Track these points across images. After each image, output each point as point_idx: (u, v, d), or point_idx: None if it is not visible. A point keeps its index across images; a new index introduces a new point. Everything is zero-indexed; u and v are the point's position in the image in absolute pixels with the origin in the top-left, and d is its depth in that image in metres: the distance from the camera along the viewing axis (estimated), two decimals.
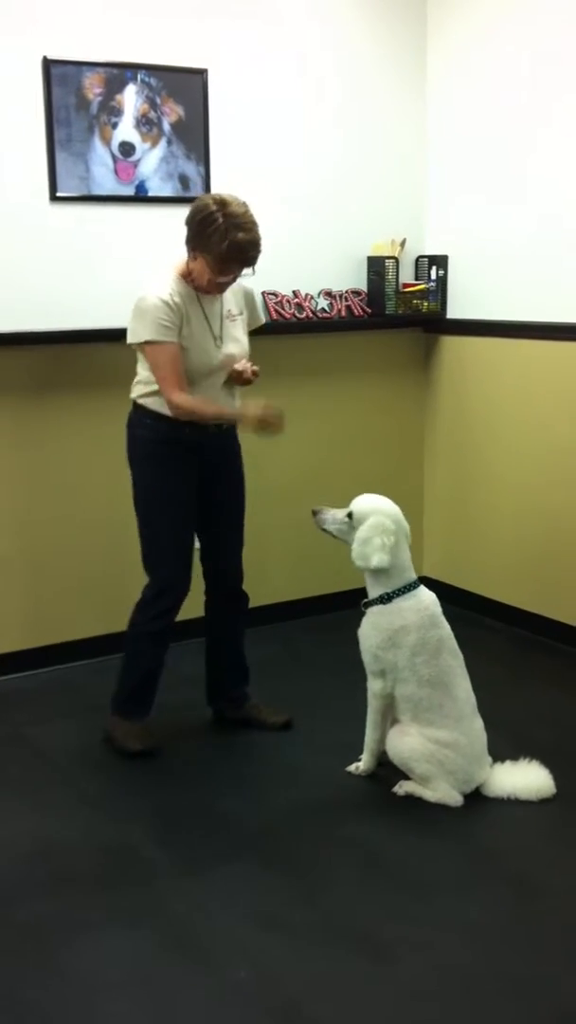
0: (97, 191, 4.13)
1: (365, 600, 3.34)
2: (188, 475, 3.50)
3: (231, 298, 3.50)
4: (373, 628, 3.28)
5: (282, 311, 4.58)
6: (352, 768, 3.46)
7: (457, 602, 5.08)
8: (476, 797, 3.28)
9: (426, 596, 3.32)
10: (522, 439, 4.64)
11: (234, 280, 3.38)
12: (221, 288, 3.38)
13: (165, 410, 3.38)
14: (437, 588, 5.13)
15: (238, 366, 3.50)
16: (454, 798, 3.24)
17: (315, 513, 3.40)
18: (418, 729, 3.25)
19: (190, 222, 3.29)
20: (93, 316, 4.09)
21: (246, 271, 3.34)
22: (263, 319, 3.74)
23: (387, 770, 3.40)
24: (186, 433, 3.43)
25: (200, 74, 4.29)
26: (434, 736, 3.22)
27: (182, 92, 4.26)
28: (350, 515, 3.31)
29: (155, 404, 3.41)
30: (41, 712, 3.99)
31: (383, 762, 3.41)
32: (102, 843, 3.10)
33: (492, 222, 4.65)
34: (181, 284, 3.36)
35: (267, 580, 4.53)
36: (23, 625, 4.30)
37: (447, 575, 5.17)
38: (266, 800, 3.34)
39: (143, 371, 3.42)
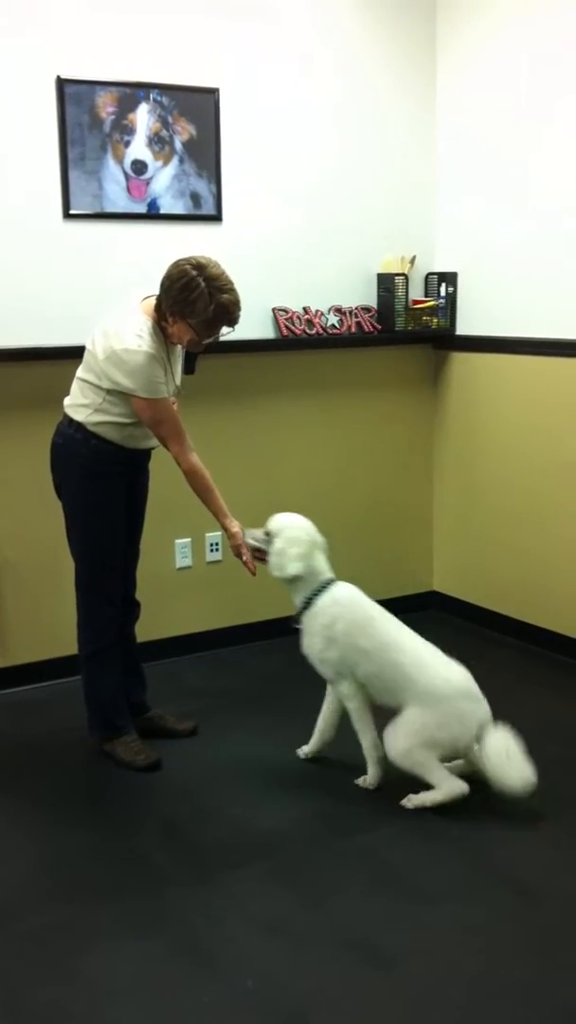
0: (110, 208, 4.18)
1: (293, 616, 3.48)
2: (122, 491, 3.57)
3: None
4: (310, 636, 3.44)
5: (292, 327, 4.63)
6: (360, 781, 3.49)
7: (465, 616, 5.12)
8: (474, 805, 3.28)
9: (342, 587, 3.47)
10: (530, 455, 4.67)
11: (217, 339, 3.43)
12: (202, 346, 3.44)
13: (115, 437, 3.45)
14: (446, 602, 5.22)
15: (245, 554, 3.58)
16: (460, 789, 3.29)
17: (252, 549, 3.55)
18: (401, 713, 3.30)
19: (168, 289, 3.29)
20: None
21: (226, 330, 3.39)
22: None
23: (393, 779, 3.41)
24: (125, 457, 3.52)
25: (212, 93, 4.35)
26: (412, 693, 3.28)
27: (194, 111, 4.32)
28: (267, 532, 3.49)
29: (108, 432, 3.45)
30: (53, 723, 4.02)
31: (388, 769, 3.43)
32: (112, 851, 3.13)
33: (502, 239, 4.69)
34: (155, 334, 3.37)
35: (279, 592, 4.55)
36: (36, 637, 4.34)
37: (456, 589, 5.19)
38: (273, 809, 3.36)
39: (96, 397, 3.41)
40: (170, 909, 2.84)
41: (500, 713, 3.99)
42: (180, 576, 4.59)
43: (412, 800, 3.33)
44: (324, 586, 3.44)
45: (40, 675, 4.34)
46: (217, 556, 4.68)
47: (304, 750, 3.62)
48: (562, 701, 4.21)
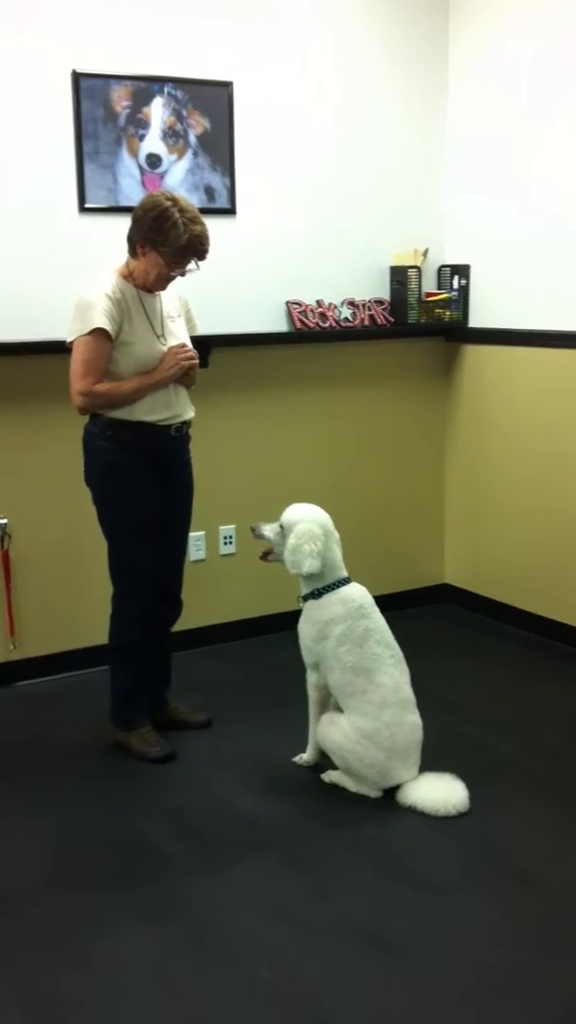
0: (124, 202, 4.19)
1: (301, 595, 3.48)
2: (150, 482, 3.55)
3: (168, 301, 3.60)
4: (307, 622, 3.45)
5: (306, 320, 4.64)
6: (297, 759, 3.60)
7: (476, 608, 5.14)
8: (481, 796, 3.31)
9: (354, 590, 3.43)
10: (542, 447, 4.68)
11: (183, 274, 3.46)
12: (167, 283, 3.48)
13: (125, 416, 3.45)
14: (457, 594, 5.23)
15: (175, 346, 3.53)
16: (372, 790, 3.35)
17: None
18: (347, 719, 3.34)
19: (141, 219, 3.36)
20: None
21: (191, 267, 3.44)
22: (199, 327, 3.79)
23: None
24: (147, 441, 3.49)
25: (226, 86, 4.36)
26: (358, 725, 3.31)
27: (208, 104, 4.33)
28: (282, 526, 3.45)
29: (115, 412, 3.46)
30: (64, 715, 4.06)
31: None
32: (122, 841, 3.17)
33: (515, 232, 4.69)
34: (122, 283, 3.45)
35: (289, 586, 4.57)
36: (46, 630, 4.37)
37: (467, 582, 5.21)
38: (282, 800, 3.39)
39: None
40: (180, 898, 2.87)
41: (503, 703, 4.03)
42: (193, 569, 4.62)
43: (330, 775, 3.46)
44: (337, 583, 3.41)
45: (54, 667, 4.38)
46: (231, 549, 4.71)
47: (303, 758, 3.60)
48: (571, 692, 4.23)
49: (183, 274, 3.46)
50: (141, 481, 3.53)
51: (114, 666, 3.72)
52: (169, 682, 3.90)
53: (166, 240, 3.33)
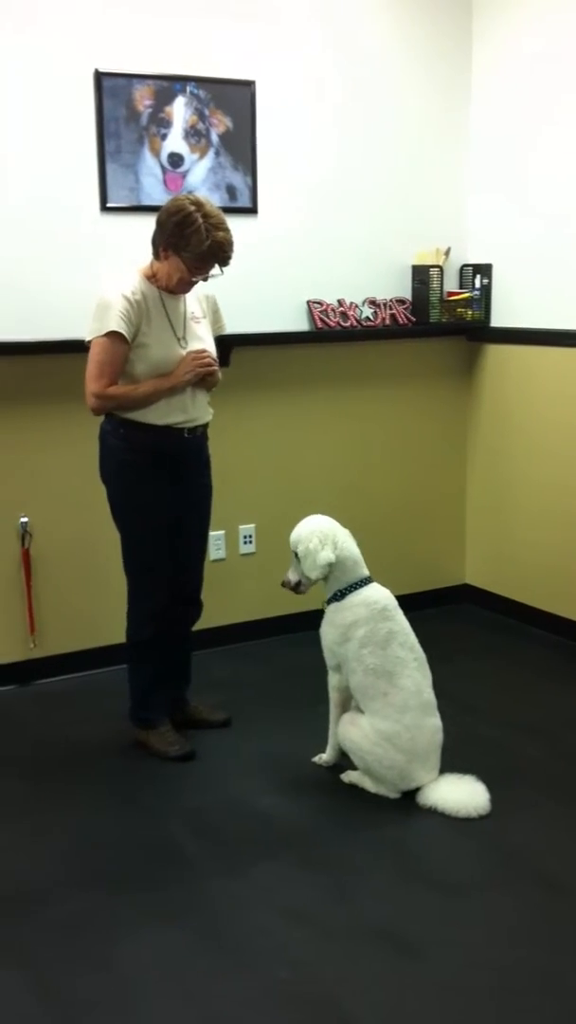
0: (146, 201, 4.20)
1: (325, 600, 3.47)
2: (162, 482, 3.52)
3: (194, 301, 3.57)
4: (330, 625, 3.43)
5: (327, 319, 4.63)
6: (317, 759, 3.59)
7: (497, 609, 5.11)
8: (502, 799, 3.30)
9: (377, 591, 3.42)
10: (565, 447, 4.65)
11: (205, 279, 3.44)
12: (189, 287, 3.45)
13: (138, 418, 3.43)
14: (478, 595, 5.21)
15: (192, 351, 3.49)
16: (391, 792, 3.35)
17: (293, 585, 3.45)
18: (368, 720, 3.33)
19: (164, 222, 3.33)
20: None
21: (215, 271, 3.41)
22: (226, 326, 3.77)
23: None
24: (160, 442, 3.47)
25: (248, 86, 4.36)
26: (378, 727, 3.30)
27: (230, 103, 4.33)
28: (296, 555, 3.42)
29: (128, 413, 3.45)
30: (83, 714, 4.06)
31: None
32: (141, 841, 3.17)
33: (537, 231, 4.67)
34: (145, 284, 3.42)
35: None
36: (65, 629, 4.38)
37: (488, 582, 5.19)
38: (302, 800, 3.39)
39: None
40: (200, 898, 2.87)
41: (530, 706, 4.01)
42: (213, 568, 4.61)
43: (349, 775, 3.45)
44: (359, 583, 3.40)
45: (73, 666, 4.38)
46: (250, 549, 4.71)
47: (322, 758, 3.60)
48: None
49: (205, 279, 3.44)
50: (152, 480, 3.51)
51: (131, 665, 3.73)
52: (189, 681, 3.89)
53: (187, 245, 3.30)
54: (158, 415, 3.45)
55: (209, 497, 3.74)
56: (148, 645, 3.66)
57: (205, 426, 3.62)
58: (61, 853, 3.12)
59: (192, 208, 3.29)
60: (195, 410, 3.54)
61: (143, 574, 3.62)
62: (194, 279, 3.41)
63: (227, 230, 3.34)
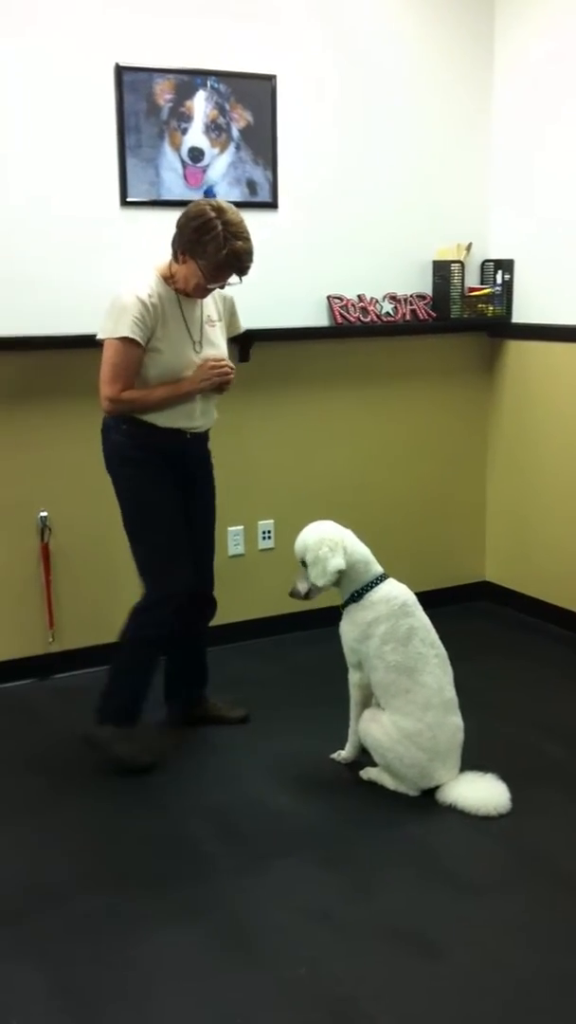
0: (166, 196, 4.19)
1: (342, 603, 3.44)
2: (163, 479, 3.47)
3: (211, 304, 3.51)
4: (350, 623, 3.40)
5: (347, 315, 4.61)
6: (335, 756, 3.58)
7: (517, 606, 5.09)
8: (522, 798, 3.28)
9: (395, 587, 3.39)
10: None
11: (222, 287, 3.38)
12: (206, 293, 3.39)
13: (142, 416, 3.38)
14: (499, 593, 5.19)
15: (210, 359, 3.45)
16: (411, 789, 3.34)
17: (292, 595, 3.45)
18: (389, 717, 3.32)
19: (184, 226, 3.28)
20: None
21: (234, 280, 3.34)
22: (243, 326, 3.73)
23: None
24: (161, 441, 3.43)
25: (269, 80, 4.34)
26: (400, 724, 3.28)
27: (250, 98, 4.31)
28: (303, 562, 3.39)
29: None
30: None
31: None
32: (160, 838, 3.16)
33: (559, 226, 4.63)
34: (162, 285, 3.35)
35: None
36: (83, 623, 4.39)
37: (508, 580, 5.16)
38: (320, 798, 3.38)
39: None
40: (218, 896, 2.86)
41: (550, 704, 3.98)
42: (232, 564, 4.61)
43: (368, 772, 3.45)
44: (375, 580, 3.38)
45: (91, 661, 4.37)
46: (269, 544, 4.70)
47: (341, 755, 3.58)
48: None
49: (222, 287, 3.39)
50: (154, 477, 3.46)
51: (129, 662, 3.55)
52: (206, 679, 3.88)
53: (204, 252, 3.24)
54: (163, 418, 3.41)
55: (214, 493, 3.70)
56: (159, 646, 3.57)
57: (207, 429, 3.60)
58: (80, 850, 3.12)
59: (213, 215, 3.22)
60: (201, 418, 3.50)
61: (153, 577, 3.50)
62: (210, 286, 3.35)
63: (247, 239, 3.26)
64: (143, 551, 3.52)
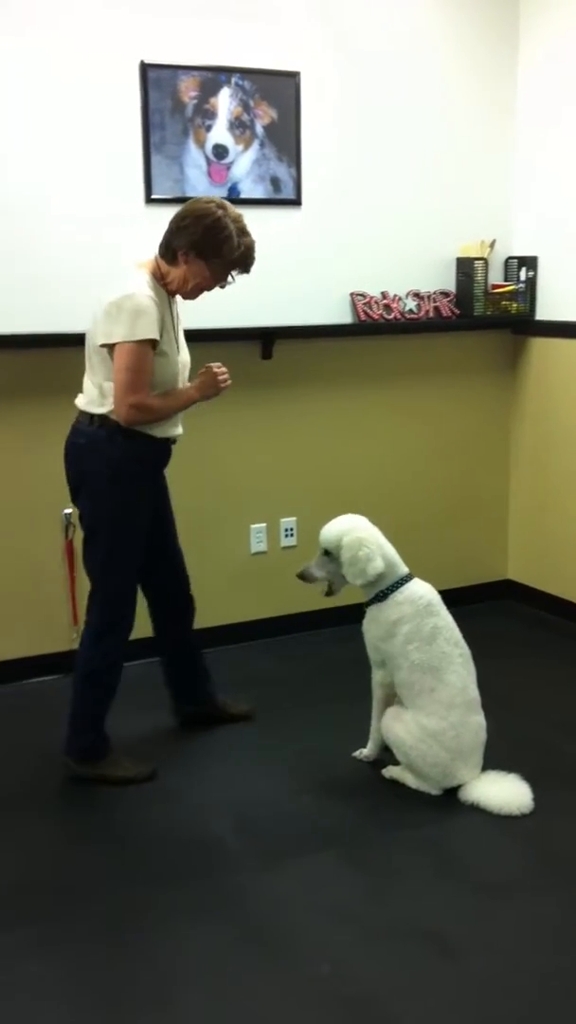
0: (191, 193, 4.19)
1: (365, 601, 3.43)
2: (150, 497, 3.40)
3: (178, 305, 3.41)
4: (373, 622, 3.40)
5: (370, 312, 4.60)
6: (357, 754, 3.59)
7: (540, 605, 5.07)
8: (545, 798, 3.27)
9: (420, 587, 3.39)
10: None
11: (222, 286, 3.30)
12: (197, 295, 3.29)
13: (143, 429, 3.25)
14: (521, 591, 5.17)
15: (215, 367, 3.36)
16: (433, 788, 3.33)
17: (303, 576, 3.44)
18: (412, 715, 3.31)
19: (188, 227, 3.15)
20: (188, 317, 4.15)
21: (230, 279, 3.28)
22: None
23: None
24: (156, 452, 3.36)
25: (293, 77, 4.33)
26: (423, 723, 3.28)
27: (275, 95, 4.31)
28: (327, 551, 3.37)
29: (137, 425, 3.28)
30: (122, 706, 4.05)
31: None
32: (182, 836, 3.17)
33: None
34: (156, 287, 3.22)
35: None
36: None
37: (531, 579, 5.14)
38: (341, 796, 3.38)
39: (108, 383, 3.22)
40: (237, 895, 2.87)
41: (571, 702, 3.95)
42: (254, 562, 4.62)
43: (391, 771, 3.45)
44: (400, 581, 3.36)
45: None
46: (291, 542, 4.70)
47: (363, 753, 3.59)
48: None
49: (223, 287, 3.31)
50: (144, 491, 3.37)
51: (89, 690, 3.44)
52: (209, 676, 3.84)
53: (219, 252, 3.16)
54: (163, 428, 3.33)
55: (169, 498, 3.60)
56: (117, 669, 3.46)
57: None
58: (100, 846, 3.13)
59: (220, 212, 3.15)
60: (180, 424, 3.44)
61: (121, 596, 3.40)
62: (213, 287, 3.28)
63: (250, 234, 3.21)
64: (115, 581, 3.39)
